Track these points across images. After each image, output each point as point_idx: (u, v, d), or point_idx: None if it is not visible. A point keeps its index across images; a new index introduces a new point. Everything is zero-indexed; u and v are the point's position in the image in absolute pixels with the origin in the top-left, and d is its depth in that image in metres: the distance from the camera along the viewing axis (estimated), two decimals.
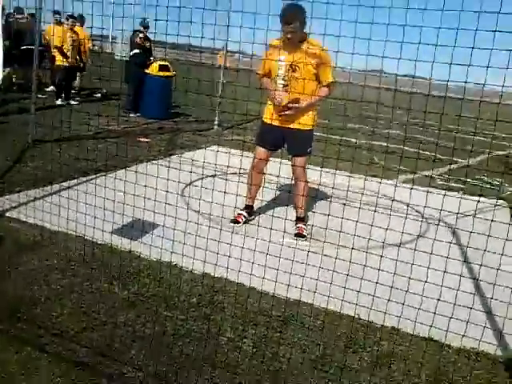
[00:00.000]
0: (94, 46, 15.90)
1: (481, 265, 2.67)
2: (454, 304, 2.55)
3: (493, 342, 3.05)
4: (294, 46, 4.44)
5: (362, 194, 3.26)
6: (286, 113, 4.50)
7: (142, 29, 11.12)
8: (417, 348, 2.99)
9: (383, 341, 3.03)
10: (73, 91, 12.39)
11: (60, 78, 11.75)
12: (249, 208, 5.00)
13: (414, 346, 2.99)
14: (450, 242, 2.83)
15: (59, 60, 11.57)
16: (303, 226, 4.76)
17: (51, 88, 12.77)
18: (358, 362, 2.84)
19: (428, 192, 2.84)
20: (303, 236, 4.65)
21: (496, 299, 2.93)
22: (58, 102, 11.38)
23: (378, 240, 3.58)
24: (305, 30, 4.40)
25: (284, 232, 3.17)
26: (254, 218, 4.97)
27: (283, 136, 4.72)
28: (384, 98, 2.89)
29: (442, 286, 2.56)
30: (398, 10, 2.48)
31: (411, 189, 3.04)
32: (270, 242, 3.09)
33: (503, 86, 2.43)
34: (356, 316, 3.18)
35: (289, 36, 4.36)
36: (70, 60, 11.62)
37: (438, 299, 2.62)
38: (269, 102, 4.73)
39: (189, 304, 3.25)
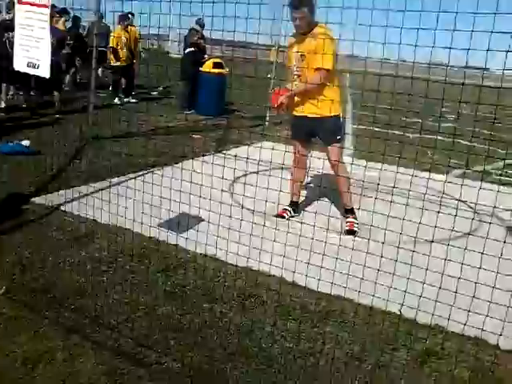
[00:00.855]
0: (152, 44, 16.21)
1: None
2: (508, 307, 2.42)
3: None
4: (303, 34, 4.42)
5: (409, 190, 3.14)
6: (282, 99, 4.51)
7: (197, 27, 11.28)
8: (462, 348, 2.86)
9: (427, 340, 2.92)
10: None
11: (114, 79, 12.20)
12: (294, 204, 4.97)
13: (458, 345, 2.86)
14: (505, 241, 2.66)
15: (112, 60, 11.96)
16: (354, 221, 4.67)
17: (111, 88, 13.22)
18: (397, 360, 2.75)
19: (481, 188, 2.70)
20: (354, 232, 4.57)
21: None
22: (116, 101, 11.77)
23: (424, 237, 3.45)
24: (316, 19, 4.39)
25: (327, 229, 3.11)
26: (298, 214, 4.93)
27: (311, 126, 4.67)
28: (432, 90, 2.77)
29: (493, 287, 2.44)
30: None
31: (462, 185, 2.90)
32: (312, 239, 3.04)
33: None
34: (399, 313, 3.08)
35: (296, 23, 4.33)
36: (123, 60, 11.91)
37: (489, 301, 2.49)
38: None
39: (229, 297, 3.27)
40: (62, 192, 4.93)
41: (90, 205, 4.13)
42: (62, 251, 3.76)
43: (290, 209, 4.89)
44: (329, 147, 4.66)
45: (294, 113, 4.72)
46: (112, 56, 11.87)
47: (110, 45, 11.68)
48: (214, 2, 2.94)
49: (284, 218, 4.76)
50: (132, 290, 3.27)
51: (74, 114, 9.05)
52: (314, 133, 4.79)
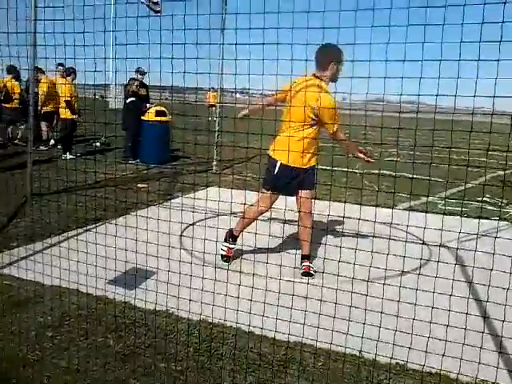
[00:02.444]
0: (95, 95, 15.97)
1: (489, 286, 2.52)
2: (465, 329, 2.44)
3: (506, 374, 2.90)
4: None
5: (357, 233, 3.18)
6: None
7: (137, 76, 11.29)
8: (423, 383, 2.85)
9: (389, 379, 2.89)
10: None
11: (68, 133, 11.50)
12: (233, 238, 4.71)
13: (421, 381, 2.85)
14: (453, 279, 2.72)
15: (67, 114, 11.22)
16: (309, 265, 4.60)
17: (52, 142, 12.90)
18: None
19: (426, 217, 2.76)
20: (310, 274, 4.52)
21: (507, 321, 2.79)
22: (69, 156, 11.04)
23: (377, 276, 3.48)
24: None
25: (279, 278, 3.09)
26: (252, 259, 4.87)
27: (297, 177, 4.54)
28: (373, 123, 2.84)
29: (449, 310, 2.45)
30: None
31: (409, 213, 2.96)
32: (266, 290, 3.00)
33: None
34: (359, 354, 3.05)
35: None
36: (76, 112, 11.39)
37: (447, 325, 2.50)
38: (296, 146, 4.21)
39: (186, 354, 3.14)
40: (1, 254, 4.68)
41: (32, 267, 3.93)
42: (1, 319, 3.52)
43: (229, 245, 4.65)
44: (303, 197, 4.57)
45: (292, 164, 4.44)
46: (67, 110, 11.17)
47: (66, 98, 11.12)
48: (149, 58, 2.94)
49: (229, 257, 4.63)
50: (82, 355, 3.09)
51: (12, 171, 8.74)
52: (296, 184, 4.59)
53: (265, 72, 2.61)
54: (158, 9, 8.11)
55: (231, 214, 3.88)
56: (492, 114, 2.55)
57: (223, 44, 7.72)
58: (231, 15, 4.13)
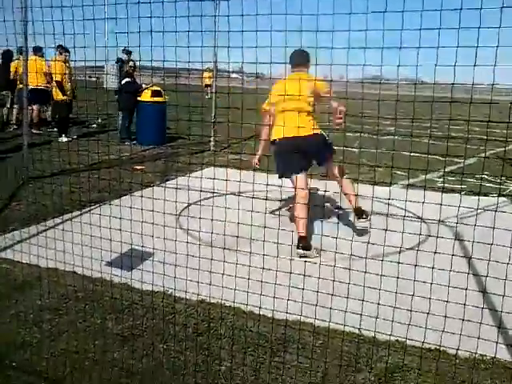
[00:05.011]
0: (90, 77, 15.71)
1: (489, 261, 2.49)
2: (464, 305, 2.43)
3: (504, 349, 2.90)
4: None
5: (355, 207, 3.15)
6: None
7: (125, 56, 11.13)
8: (423, 362, 2.85)
9: (388, 356, 2.89)
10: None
11: (63, 115, 11.31)
12: (305, 240, 4.60)
13: (419, 359, 2.85)
14: (457, 239, 2.70)
15: (59, 95, 11.01)
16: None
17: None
18: (361, 382, 2.70)
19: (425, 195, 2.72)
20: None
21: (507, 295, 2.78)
22: (64, 139, 10.82)
23: (375, 253, 3.46)
24: None
25: (276, 256, 3.06)
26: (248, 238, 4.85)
27: (305, 147, 4.74)
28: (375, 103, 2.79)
29: (448, 286, 2.43)
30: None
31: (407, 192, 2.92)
32: (263, 268, 2.98)
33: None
34: (358, 332, 3.05)
35: None
36: (68, 94, 11.17)
37: (446, 301, 2.49)
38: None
39: (185, 335, 3.14)
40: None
41: (31, 249, 3.91)
42: (0, 303, 3.51)
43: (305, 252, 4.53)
44: (329, 164, 4.97)
45: (285, 134, 4.59)
46: (58, 90, 10.95)
47: (56, 79, 10.89)
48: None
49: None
50: (80, 337, 3.08)
51: (9, 154, 8.67)
52: (309, 155, 4.82)
53: (259, 51, 2.55)
54: None
55: (227, 193, 3.84)
56: (493, 85, 2.50)
57: (217, 16, 7.57)
58: None
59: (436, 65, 2.32)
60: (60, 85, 10.98)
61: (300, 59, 4.99)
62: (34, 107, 11.91)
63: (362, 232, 4.82)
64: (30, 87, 10.88)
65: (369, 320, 2.75)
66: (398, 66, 2.44)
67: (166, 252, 3.01)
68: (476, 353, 2.81)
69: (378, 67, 2.53)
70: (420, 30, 2.35)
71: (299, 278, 2.85)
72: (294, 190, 4.75)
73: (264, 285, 2.81)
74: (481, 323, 2.50)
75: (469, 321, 2.49)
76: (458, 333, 2.58)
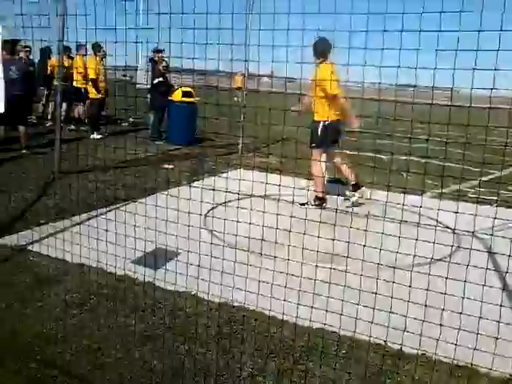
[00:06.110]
0: (124, 76, 15.83)
1: None
2: (498, 322, 2.34)
3: None
4: None
5: (384, 216, 3.08)
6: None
7: (156, 55, 11.17)
8: (454, 378, 2.76)
9: (415, 370, 2.81)
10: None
11: (95, 112, 11.46)
12: (320, 199, 6.32)
13: (447, 374, 2.76)
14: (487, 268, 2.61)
15: (93, 93, 11.23)
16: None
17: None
18: None
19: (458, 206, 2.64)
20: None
21: None
22: (96, 136, 10.97)
23: (404, 263, 3.37)
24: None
25: (301, 262, 3.01)
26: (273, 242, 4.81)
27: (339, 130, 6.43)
28: (403, 112, 2.72)
29: (482, 301, 2.35)
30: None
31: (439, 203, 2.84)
32: (287, 274, 2.93)
33: None
34: (384, 344, 2.97)
35: None
36: (102, 92, 11.35)
37: (480, 317, 2.40)
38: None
39: (207, 336, 3.11)
40: (27, 232, 4.73)
41: (59, 244, 3.95)
42: (28, 295, 3.55)
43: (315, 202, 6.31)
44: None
45: (334, 117, 6.08)
46: (93, 89, 11.17)
47: (91, 76, 11.08)
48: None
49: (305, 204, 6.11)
50: (104, 334, 3.09)
51: (43, 149, 8.82)
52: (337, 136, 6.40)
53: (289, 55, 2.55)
54: None
55: (252, 196, 3.81)
56: None
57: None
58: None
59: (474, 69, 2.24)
60: (95, 83, 11.15)
61: (328, 48, 6.00)
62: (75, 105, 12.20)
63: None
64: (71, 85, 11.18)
65: (395, 332, 2.68)
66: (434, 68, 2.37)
67: (190, 252, 3.00)
68: (510, 374, 2.71)
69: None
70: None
71: (325, 286, 2.80)
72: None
73: (288, 291, 2.76)
74: None
75: (502, 339, 2.40)
76: (490, 351, 2.48)
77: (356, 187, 6.46)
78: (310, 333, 3.05)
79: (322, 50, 6.02)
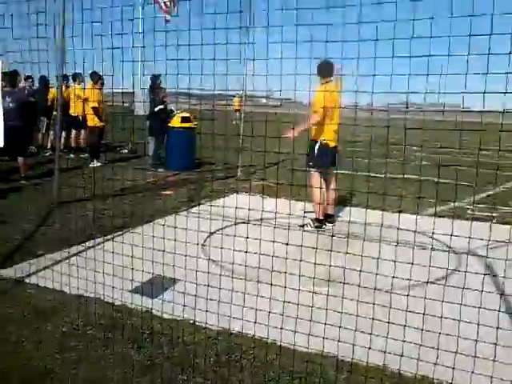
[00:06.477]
0: (123, 103, 15.92)
1: None
2: (495, 345, 2.33)
3: None
4: None
5: (380, 238, 3.10)
6: None
7: (155, 83, 11.27)
8: None
9: None
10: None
11: (95, 141, 11.56)
12: (320, 221, 6.44)
13: None
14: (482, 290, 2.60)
15: (95, 121, 11.28)
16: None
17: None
18: None
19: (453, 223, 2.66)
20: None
21: None
22: (96, 164, 11.06)
23: (403, 279, 3.37)
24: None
25: (298, 289, 3.02)
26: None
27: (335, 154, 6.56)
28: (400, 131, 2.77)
29: (478, 324, 2.35)
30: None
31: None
32: (284, 301, 2.93)
33: None
34: (383, 368, 2.95)
35: None
36: (103, 120, 11.41)
37: (476, 340, 2.40)
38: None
39: (206, 365, 3.10)
40: (25, 264, 4.73)
41: (56, 276, 3.95)
42: (24, 328, 3.54)
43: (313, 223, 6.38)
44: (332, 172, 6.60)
45: (331, 144, 6.38)
46: (95, 117, 11.23)
47: (92, 105, 11.17)
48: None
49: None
50: (102, 366, 3.08)
51: (42, 179, 8.87)
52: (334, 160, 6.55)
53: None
54: (168, 18, 8.29)
55: (249, 220, 3.83)
56: None
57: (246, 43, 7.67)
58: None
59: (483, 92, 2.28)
60: (96, 111, 11.29)
61: (331, 71, 6.21)
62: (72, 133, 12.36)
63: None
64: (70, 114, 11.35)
65: (393, 356, 2.67)
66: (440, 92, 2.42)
67: (187, 282, 3.01)
68: None
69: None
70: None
71: (321, 312, 2.80)
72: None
73: (285, 318, 2.76)
74: None
75: (500, 362, 2.40)
76: (488, 374, 2.47)
77: (320, 222, 6.48)
78: (309, 359, 3.03)
79: (324, 71, 6.20)
